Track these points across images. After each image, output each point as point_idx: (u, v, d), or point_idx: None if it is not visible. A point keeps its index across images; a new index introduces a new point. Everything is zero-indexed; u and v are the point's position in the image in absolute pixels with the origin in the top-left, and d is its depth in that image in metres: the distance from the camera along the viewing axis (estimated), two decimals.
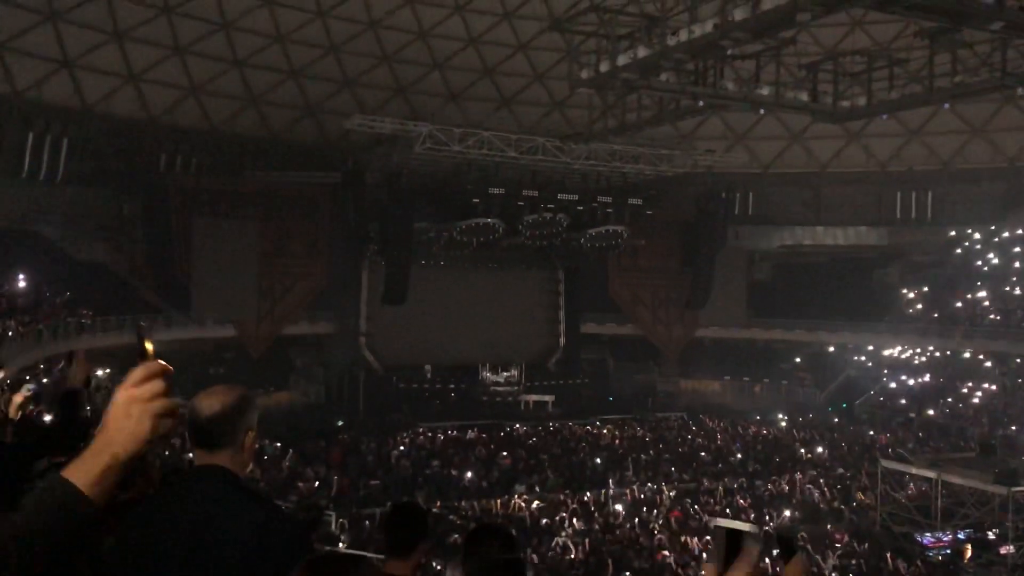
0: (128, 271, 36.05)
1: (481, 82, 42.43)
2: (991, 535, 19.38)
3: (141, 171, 35.94)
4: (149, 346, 1.77)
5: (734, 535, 2.13)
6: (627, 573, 16.03)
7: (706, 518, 21.07)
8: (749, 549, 2.05)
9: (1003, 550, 18.43)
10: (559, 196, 37.82)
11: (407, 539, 3.41)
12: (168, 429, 1.75)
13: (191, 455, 2.75)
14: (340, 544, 14.79)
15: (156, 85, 36.41)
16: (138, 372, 1.71)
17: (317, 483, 22.64)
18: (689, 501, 23.22)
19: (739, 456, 29.82)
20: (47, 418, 7.85)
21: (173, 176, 37.24)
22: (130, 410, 1.68)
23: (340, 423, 33.80)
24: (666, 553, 17.50)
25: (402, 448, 29.01)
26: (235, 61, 37.52)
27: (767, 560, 13.19)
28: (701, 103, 24.03)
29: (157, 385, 1.70)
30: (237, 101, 38.64)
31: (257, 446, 2.59)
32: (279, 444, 26.06)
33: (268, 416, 29.80)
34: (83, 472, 1.63)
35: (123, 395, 1.69)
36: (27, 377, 17.03)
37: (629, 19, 21.38)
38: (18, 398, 6.21)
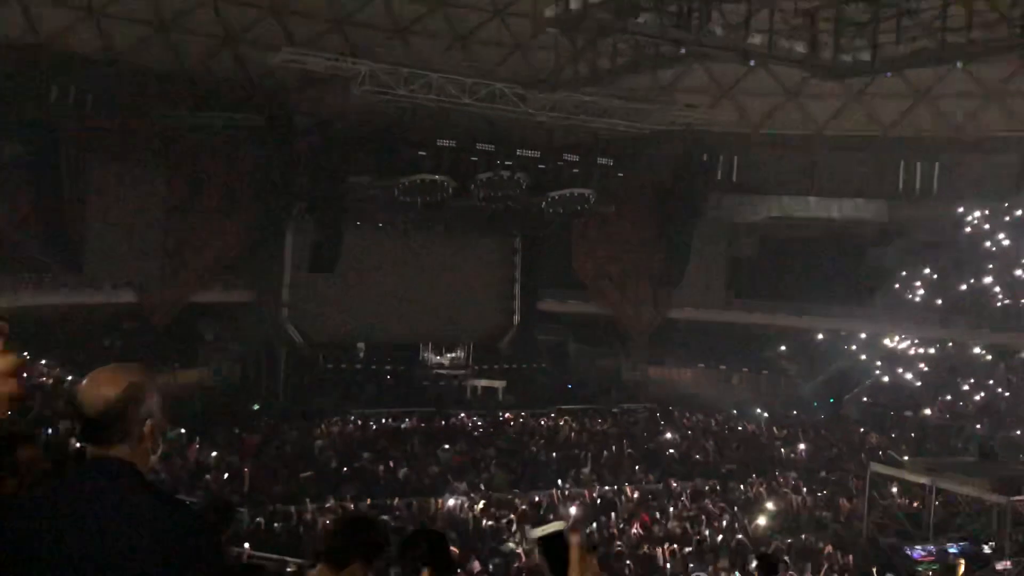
0: (10, 223, 35.21)
1: (432, 16, 41.92)
2: (987, 548, 19.93)
3: (27, 106, 35.00)
4: None
5: (555, 539, 2.28)
6: None
7: (673, 521, 21.37)
8: (574, 543, 2.22)
9: (999, 566, 18.96)
10: (518, 152, 37.80)
11: (341, 549, 3.63)
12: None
13: (79, 444, 2.73)
14: (247, 545, 14.78)
15: (47, 5, 35.41)
16: None
17: (227, 475, 22.54)
18: (655, 504, 23.56)
19: (712, 455, 30.28)
20: None
21: (65, 113, 36.35)
22: None
23: (256, 407, 33.68)
24: (629, 564, 17.76)
25: (324, 441, 28.96)
26: None
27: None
28: (683, 51, 24.07)
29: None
30: (144, 26, 37.73)
31: (161, 435, 2.57)
32: (184, 431, 25.83)
33: (173, 398, 29.58)
34: None
35: None
36: None
37: None
38: None
